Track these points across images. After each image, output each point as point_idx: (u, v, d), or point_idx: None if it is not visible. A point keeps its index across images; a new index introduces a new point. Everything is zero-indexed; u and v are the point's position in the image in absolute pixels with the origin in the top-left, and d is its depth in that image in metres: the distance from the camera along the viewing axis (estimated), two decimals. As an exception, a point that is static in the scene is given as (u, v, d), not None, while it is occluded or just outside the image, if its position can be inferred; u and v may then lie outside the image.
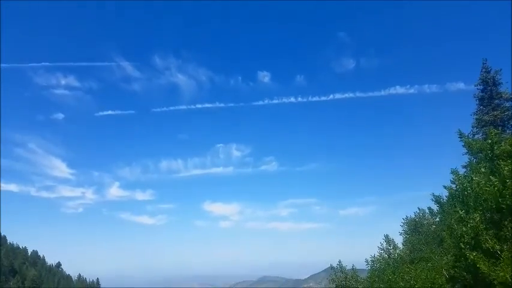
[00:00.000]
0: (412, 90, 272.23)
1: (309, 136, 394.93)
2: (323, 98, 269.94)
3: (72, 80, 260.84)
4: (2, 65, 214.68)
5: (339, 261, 37.78)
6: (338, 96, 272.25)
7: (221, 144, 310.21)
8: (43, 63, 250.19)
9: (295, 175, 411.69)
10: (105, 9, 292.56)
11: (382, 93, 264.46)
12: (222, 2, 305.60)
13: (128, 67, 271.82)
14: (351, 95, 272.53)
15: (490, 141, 13.56)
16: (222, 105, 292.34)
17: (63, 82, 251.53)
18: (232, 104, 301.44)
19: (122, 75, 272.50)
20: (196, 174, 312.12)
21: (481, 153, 13.95)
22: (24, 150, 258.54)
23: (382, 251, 37.51)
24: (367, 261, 33.96)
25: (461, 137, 14.50)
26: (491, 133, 14.09)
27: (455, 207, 14.19)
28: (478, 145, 14.12)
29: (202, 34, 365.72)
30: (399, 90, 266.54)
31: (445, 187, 20.80)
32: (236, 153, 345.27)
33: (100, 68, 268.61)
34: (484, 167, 13.50)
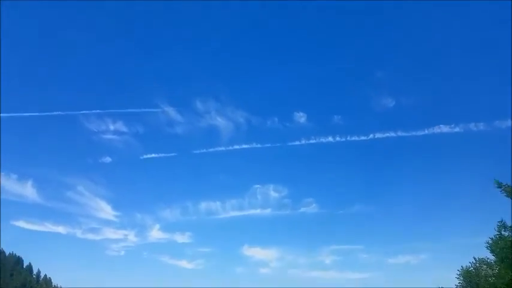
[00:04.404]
0: (457, 129, 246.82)
1: (350, 177, 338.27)
2: (363, 138, 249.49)
3: (120, 125, 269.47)
4: (58, 112, 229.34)
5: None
6: (379, 135, 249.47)
7: (258, 185, 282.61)
8: (94, 111, 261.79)
9: (338, 218, 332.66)
10: (154, 61, 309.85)
11: (426, 132, 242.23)
12: (257, 47, 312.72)
13: (172, 112, 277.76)
14: (393, 134, 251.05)
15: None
16: (258, 145, 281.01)
17: (112, 127, 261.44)
18: (269, 145, 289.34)
19: (166, 119, 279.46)
20: (234, 216, 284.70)
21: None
22: (73, 192, 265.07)
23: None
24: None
25: (499, 187, 15.15)
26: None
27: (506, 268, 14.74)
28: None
29: (240, 78, 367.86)
30: (443, 129, 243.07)
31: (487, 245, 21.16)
32: (274, 195, 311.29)
33: (146, 113, 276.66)
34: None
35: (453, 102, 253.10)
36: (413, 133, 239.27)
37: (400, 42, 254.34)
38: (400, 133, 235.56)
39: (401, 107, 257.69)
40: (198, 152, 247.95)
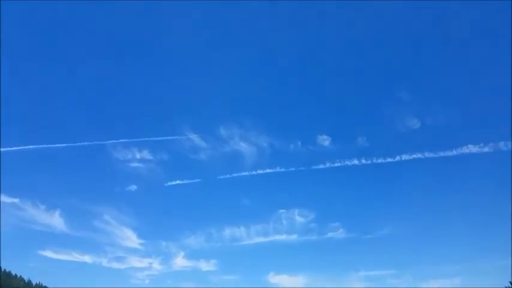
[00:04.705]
0: (486, 149, 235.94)
1: (377, 200, 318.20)
2: (389, 160, 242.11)
3: (146, 154, 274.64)
4: (85, 143, 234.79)
5: None
6: (405, 157, 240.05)
7: (283, 210, 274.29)
8: (121, 140, 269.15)
9: (366, 243, 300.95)
10: (177, 88, 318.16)
11: (454, 152, 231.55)
12: (278, 71, 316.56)
13: (196, 139, 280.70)
14: (420, 155, 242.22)
15: None
16: (282, 170, 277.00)
17: (138, 156, 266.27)
18: (293, 169, 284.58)
19: (190, 146, 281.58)
20: (259, 243, 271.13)
21: None
22: (99, 221, 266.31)
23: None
24: None
25: None
26: None
27: None
28: None
29: (262, 103, 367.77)
30: (472, 149, 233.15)
31: None
32: (299, 219, 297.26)
33: (171, 141, 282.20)
34: None
35: (481, 121, 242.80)
36: (441, 154, 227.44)
37: (423, 61, 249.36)
38: (427, 154, 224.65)
39: (428, 128, 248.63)
40: (222, 177, 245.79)
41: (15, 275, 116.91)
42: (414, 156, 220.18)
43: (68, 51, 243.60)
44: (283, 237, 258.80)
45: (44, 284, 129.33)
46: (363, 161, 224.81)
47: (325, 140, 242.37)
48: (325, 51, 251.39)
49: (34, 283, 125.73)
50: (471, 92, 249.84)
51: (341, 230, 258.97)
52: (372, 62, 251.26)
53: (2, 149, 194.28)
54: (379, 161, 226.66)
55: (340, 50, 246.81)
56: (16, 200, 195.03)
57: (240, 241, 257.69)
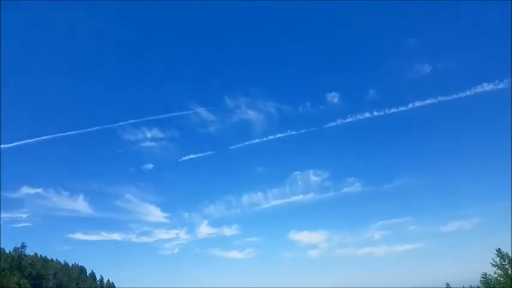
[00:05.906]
0: (501, 85, 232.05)
1: (392, 151, 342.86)
2: (402, 109, 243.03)
3: (156, 132, 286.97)
4: (95, 127, 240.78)
5: (447, 284, 35.43)
6: (418, 104, 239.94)
7: (298, 172, 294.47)
8: (129, 121, 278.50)
9: (383, 194, 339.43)
10: (181, 63, 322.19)
11: (468, 93, 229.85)
12: (280, 34, 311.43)
13: (203, 112, 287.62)
14: (433, 100, 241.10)
15: None
16: (293, 133, 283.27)
17: (148, 135, 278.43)
18: (304, 130, 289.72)
19: (198, 120, 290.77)
20: (278, 205, 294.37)
21: None
22: (122, 201, 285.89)
23: (496, 268, 34.52)
24: (484, 278, 31.30)
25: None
26: None
27: None
28: None
29: (265, 68, 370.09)
30: (486, 87, 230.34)
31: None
32: (315, 179, 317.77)
33: (179, 117, 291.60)
34: None
35: (494, 58, 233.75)
36: (455, 96, 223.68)
37: (429, 5, 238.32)
38: (440, 98, 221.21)
39: (439, 72, 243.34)
40: (233, 147, 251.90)
41: (51, 259, 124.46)
42: (427, 101, 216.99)
43: (72, 40, 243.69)
44: (299, 197, 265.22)
45: (79, 264, 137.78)
46: (375, 113, 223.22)
47: (334, 97, 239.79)
48: (327, 4, 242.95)
49: (70, 264, 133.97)
50: (481, 30, 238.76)
51: (357, 184, 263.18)
52: (376, 11, 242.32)
53: (17, 143, 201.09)
54: (392, 111, 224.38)
55: (343, 3, 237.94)
56: (39, 190, 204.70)
57: (259, 205, 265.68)
